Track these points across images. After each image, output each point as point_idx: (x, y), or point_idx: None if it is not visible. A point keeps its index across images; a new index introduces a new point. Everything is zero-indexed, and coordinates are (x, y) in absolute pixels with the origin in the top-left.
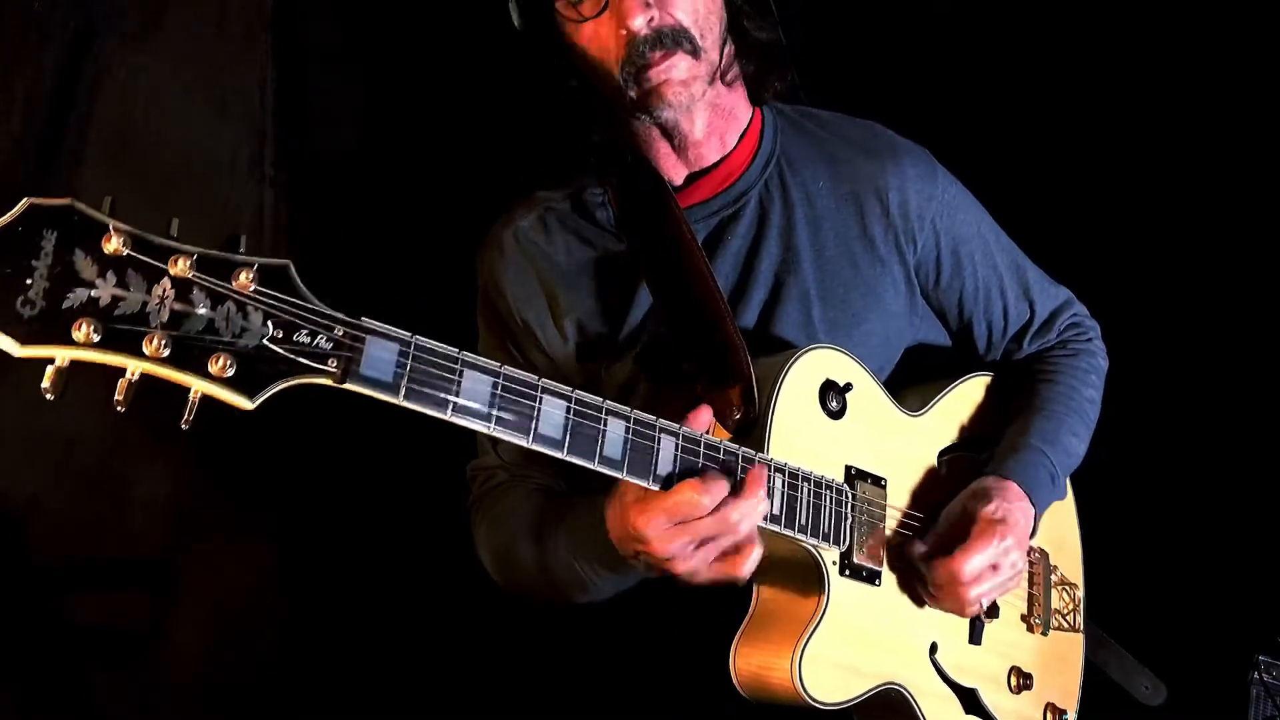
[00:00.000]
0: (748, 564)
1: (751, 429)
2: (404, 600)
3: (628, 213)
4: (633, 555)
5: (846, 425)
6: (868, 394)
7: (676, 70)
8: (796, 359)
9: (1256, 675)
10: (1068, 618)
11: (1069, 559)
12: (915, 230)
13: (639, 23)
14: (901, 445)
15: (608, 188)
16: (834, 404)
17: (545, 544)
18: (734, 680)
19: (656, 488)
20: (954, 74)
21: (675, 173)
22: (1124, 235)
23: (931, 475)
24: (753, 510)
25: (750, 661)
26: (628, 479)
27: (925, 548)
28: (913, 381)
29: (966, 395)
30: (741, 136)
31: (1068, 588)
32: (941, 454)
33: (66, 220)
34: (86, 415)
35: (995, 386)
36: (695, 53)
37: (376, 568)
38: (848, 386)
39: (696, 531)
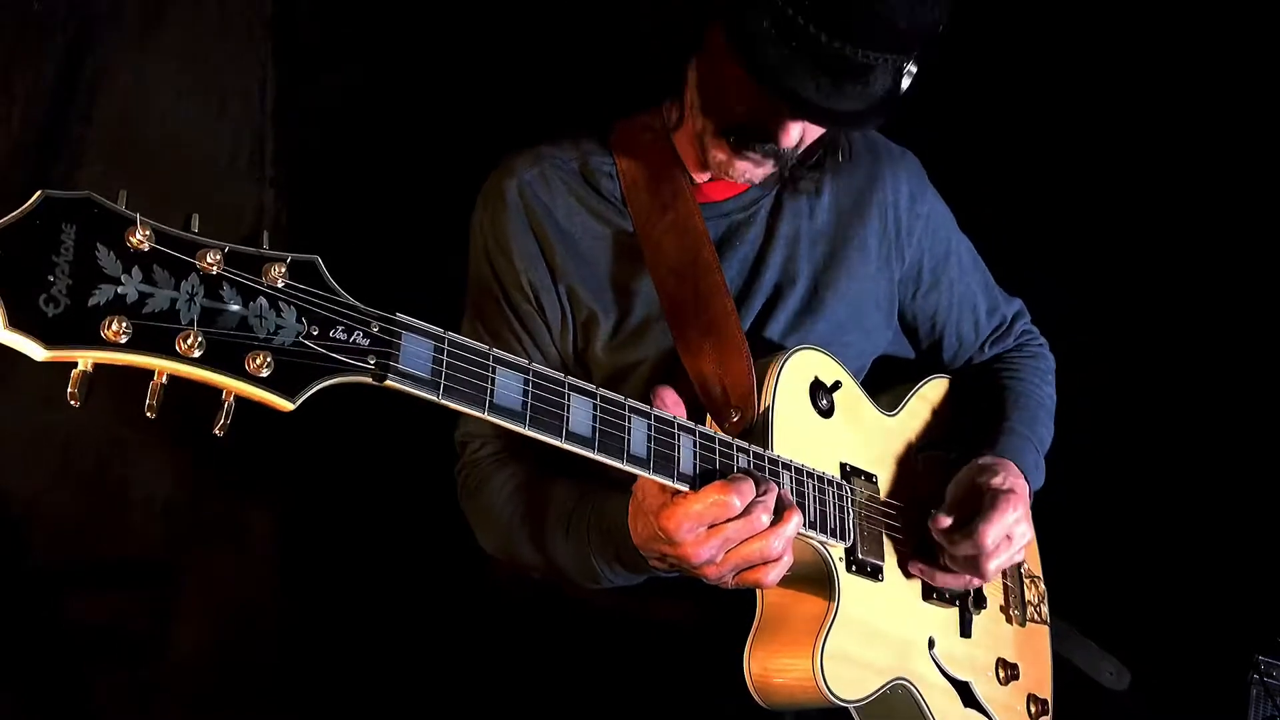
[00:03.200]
0: (775, 573)
1: (751, 429)
2: (405, 600)
3: (638, 188)
4: (659, 557)
5: (836, 424)
6: (850, 394)
7: (760, 170)
8: (788, 359)
9: (1256, 675)
10: (1039, 609)
11: (1030, 553)
12: (905, 244)
13: (788, 142)
14: (883, 443)
15: (618, 158)
16: (823, 402)
17: (552, 532)
18: (749, 686)
19: (683, 487)
20: (953, 72)
21: (695, 170)
22: (1112, 235)
23: (911, 472)
24: (792, 531)
25: (766, 665)
26: (654, 477)
27: (949, 522)
28: (871, 386)
29: (930, 397)
30: None
31: (1035, 580)
32: (917, 452)
33: (86, 213)
34: (86, 415)
35: (955, 389)
36: (782, 167)
37: (377, 568)
38: (835, 385)
39: (727, 534)
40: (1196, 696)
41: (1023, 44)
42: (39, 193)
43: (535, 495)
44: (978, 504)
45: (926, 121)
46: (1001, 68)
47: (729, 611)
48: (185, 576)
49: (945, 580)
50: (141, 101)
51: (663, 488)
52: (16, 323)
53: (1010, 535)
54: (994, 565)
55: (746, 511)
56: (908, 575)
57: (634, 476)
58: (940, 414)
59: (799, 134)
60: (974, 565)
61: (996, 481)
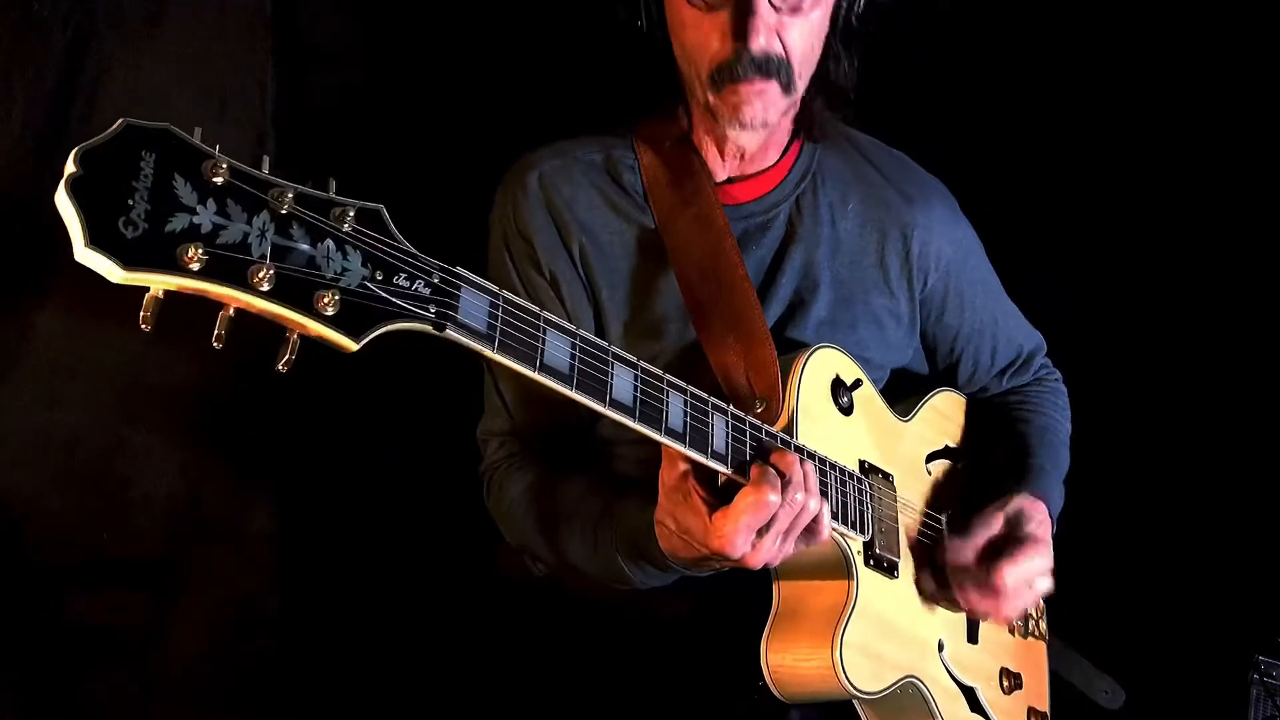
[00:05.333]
0: (826, 528)
1: (773, 421)
2: (406, 598)
3: (660, 184)
4: (713, 568)
5: (855, 422)
6: (868, 395)
7: (765, 97)
8: (812, 354)
9: (1256, 675)
10: (1038, 624)
11: None
12: (930, 269)
13: (759, 43)
14: (898, 446)
15: (641, 154)
16: (844, 400)
17: (579, 538)
18: (767, 678)
19: (716, 465)
20: (954, 72)
21: (715, 170)
22: (1113, 235)
23: (923, 477)
24: (813, 484)
25: (784, 657)
26: (689, 452)
27: (968, 552)
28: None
29: (940, 408)
30: (785, 150)
31: None
32: (927, 458)
33: (165, 144)
34: (86, 415)
35: (964, 402)
36: (788, 87)
37: (378, 567)
38: (856, 384)
39: (777, 527)
40: (1195, 698)
41: (1022, 43)
42: (121, 120)
43: (548, 499)
44: (1006, 543)
45: (926, 121)
46: (1001, 67)
47: (736, 606)
48: (185, 576)
49: (966, 607)
50: (141, 102)
51: (695, 511)
52: (97, 240)
53: (1030, 583)
54: (1008, 607)
55: (784, 500)
56: (919, 577)
57: (649, 473)
58: (950, 425)
59: (765, 33)
60: (990, 602)
61: (1032, 529)
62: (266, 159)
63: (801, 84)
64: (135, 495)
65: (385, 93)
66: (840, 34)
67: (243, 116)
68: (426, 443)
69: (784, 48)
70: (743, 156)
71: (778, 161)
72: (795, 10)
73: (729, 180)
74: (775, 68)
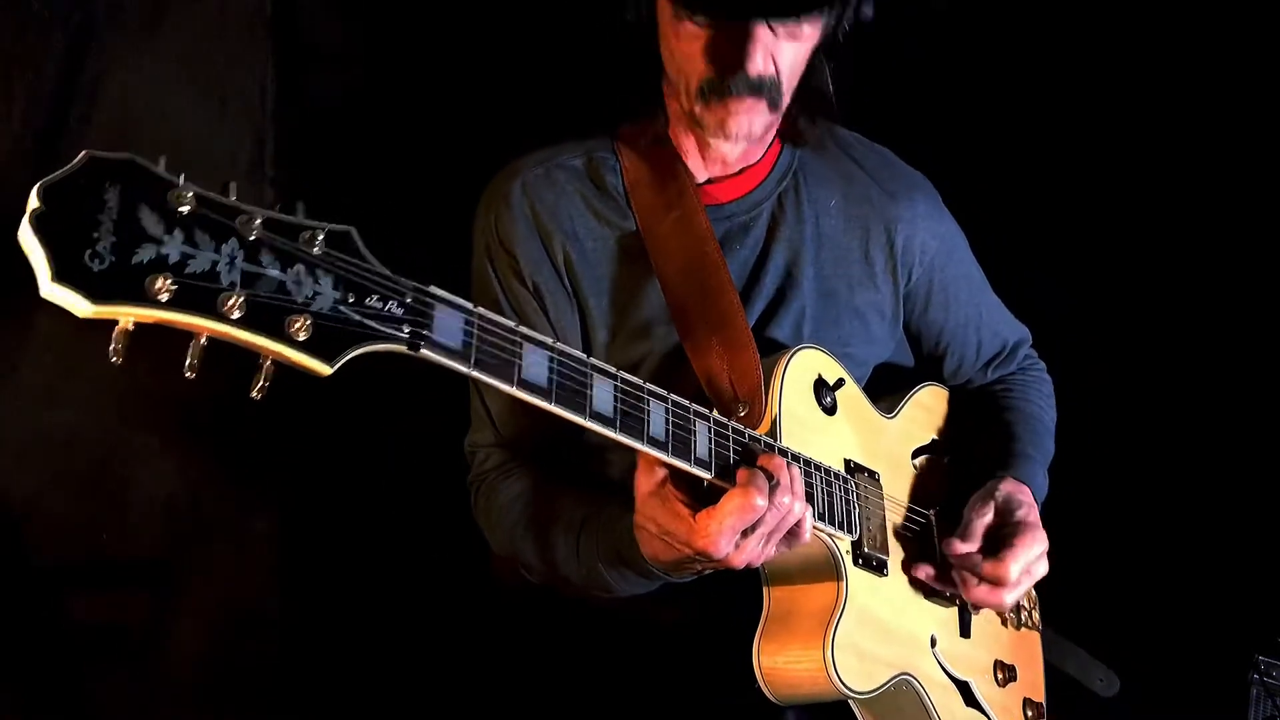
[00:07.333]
0: (808, 531)
1: (756, 424)
2: (406, 600)
3: (642, 185)
4: (695, 572)
5: (839, 421)
6: (851, 394)
7: (753, 113)
8: (793, 356)
9: (1256, 675)
10: (1031, 615)
11: None
12: (914, 264)
13: (755, 67)
14: (883, 443)
15: (623, 155)
16: (827, 400)
17: (561, 545)
18: (759, 679)
19: (700, 472)
20: (951, 70)
21: (696, 171)
22: (1113, 235)
23: (909, 473)
24: (799, 488)
25: (776, 659)
26: (672, 460)
27: (972, 548)
28: (867, 390)
29: (925, 403)
30: (766, 150)
31: None
32: (912, 454)
33: (129, 174)
34: (86, 415)
35: (949, 396)
36: (775, 106)
37: (377, 568)
38: (839, 383)
39: (763, 530)
40: (1194, 698)
41: (1022, 43)
42: (83, 153)
43: (538, 509)
44: (1000, 533)
45: (926, 121)
46: (1000, 67)
47: (732, 607)
48: (185, 576)
49: (968, 595)
50: (141, 102)
51: (676, 515)
52: (63, 276)
53: (1030, 570)
54: (1010, 598)
55: (771, 503)
56: (910, 573)
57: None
58: (935, 419)
59: (762, 56)
60: (992, 594)
61: (1023, 514)
62: (234, 185)
63: (787, 99)
64: (135, 495)
65: (385, 93)
66: (824, 48)
67: (243, 116)
68: (426, 444)
69: (776, 69)
70: (724, 162)
71: (759, 159)
72: (793, 36)
73: (710, 180)
74: (766, 88)
